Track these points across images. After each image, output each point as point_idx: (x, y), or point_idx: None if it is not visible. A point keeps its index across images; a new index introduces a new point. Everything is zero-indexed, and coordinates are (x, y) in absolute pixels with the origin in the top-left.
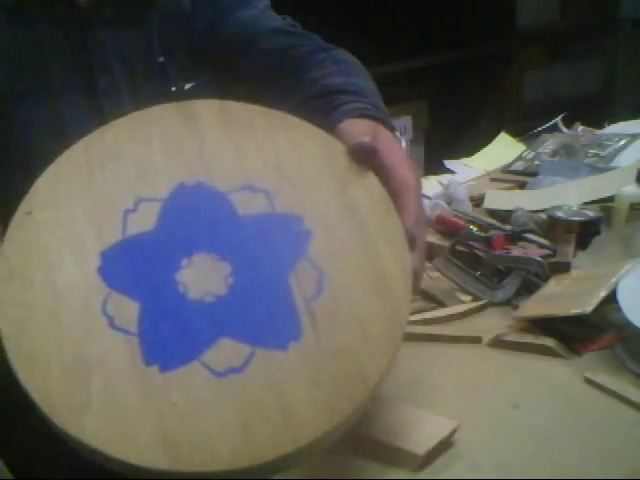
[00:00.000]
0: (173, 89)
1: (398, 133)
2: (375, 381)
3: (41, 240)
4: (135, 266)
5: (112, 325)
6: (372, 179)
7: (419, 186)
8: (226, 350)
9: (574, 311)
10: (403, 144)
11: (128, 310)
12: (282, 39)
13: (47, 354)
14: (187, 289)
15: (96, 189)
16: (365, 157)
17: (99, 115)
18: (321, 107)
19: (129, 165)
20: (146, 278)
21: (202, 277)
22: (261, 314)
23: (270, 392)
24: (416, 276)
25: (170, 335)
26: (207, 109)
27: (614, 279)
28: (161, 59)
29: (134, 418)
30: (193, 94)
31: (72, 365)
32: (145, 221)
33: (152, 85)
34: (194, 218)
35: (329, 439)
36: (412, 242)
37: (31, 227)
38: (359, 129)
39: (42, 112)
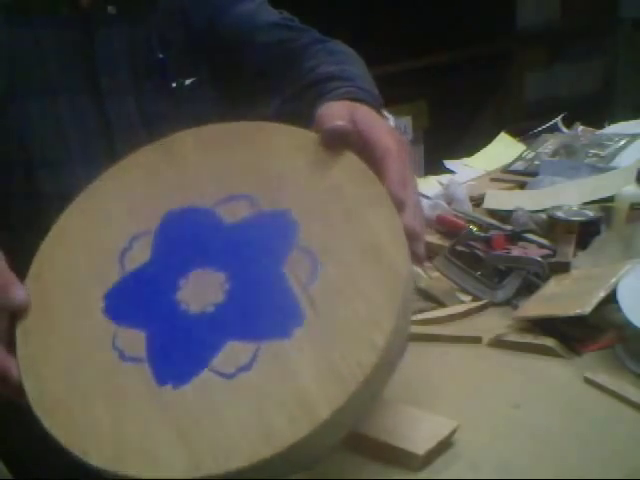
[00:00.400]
0: (174, 85)
1: (388, 114)
2: (382, 346)
3: (49, 302)
4: (137, 298)
5: (123, 357)
6: (349, 156)
7: (401, 150)
8: (233, 352)
9: (573, 311)
10: (391, 122)
11: (136, 340)
12: (280, 32)
13: (68, 402)
14: (188, 305)
15: (93, 237)
16: (337, 140)
17: (101, 115)
18: (312, 95)
19: (119, 207)
20: (149, 306)
21: (200, 291)
22: (261, 310)
23: (281, 381)
24: (414, 235)
25: (177, 352)
26: (182, 138)
27: (613, 279)
28: (160, 55)
29: (156, 438)
30: (193, 90)
31: (91, 404)
32: (141, 255)
33: (153, 82)
34: (185, 240)
35: (348, 413)
36: (400, 205)
37: (39, 290)
38: (335, 112)
39: (42, 113)
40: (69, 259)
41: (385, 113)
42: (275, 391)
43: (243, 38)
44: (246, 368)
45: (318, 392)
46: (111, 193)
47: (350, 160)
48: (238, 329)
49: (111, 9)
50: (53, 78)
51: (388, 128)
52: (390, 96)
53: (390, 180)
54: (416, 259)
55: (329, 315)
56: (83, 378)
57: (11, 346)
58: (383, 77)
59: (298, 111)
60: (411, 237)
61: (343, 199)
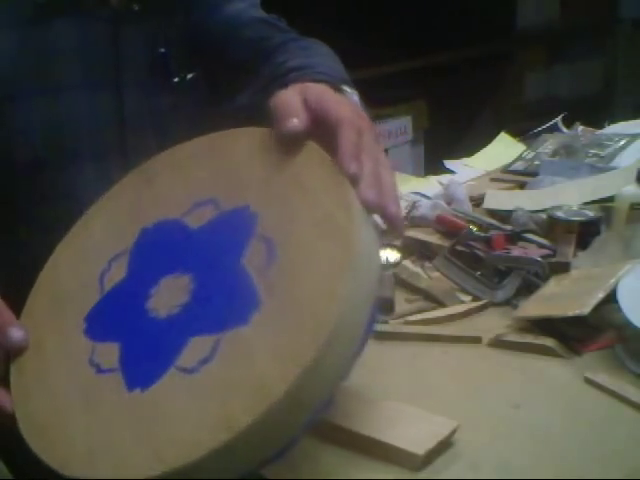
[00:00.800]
0: (176, 80)
1: (350, 89)
2: (333, 320)
3: (41, 336)
4: (113, 314)
5: (99, 371)
6: (307, 145)
7: (357, 121)
8: (195, 347)
9: (573, 312)
10: (354, 98)
11: (111, 352)
12: (262, 28)
13: (51, 424)
14: (156, 311)
15: (80, 267)
16: (295, 140)
17: (117, 111)
18: (276, 88)
19: (104, 234)
20: (123, 320)
21: (168, 296)
22: (221, 303)
23: (241, 368)
24: (373, 206)
25: (146, 357)
26: (155, 161)
27: (613, 280)
28: (162, 50)
29: (124, 441)
30: (193, 85)
31: (71, 421)
32: (118, 274)
33: (157, 77)
34: (157, 252)
35: (305, 391)
36: (353, 178)
37: (32, 325)
38: (286, 101)
39: (57, 109)
40: (59, 291)
41: (347, 89)
42: (235, 378)
43: (230, 34)
44: (208, 360)
45: (273, 373)
46: (98, 222)
47: (308, 148)
48: (200, 325)
49: (136, 6)
50: (72, 73)
51: (340, 99)
52: (390, 96)
53: (341, 153)
54: (391, 224)
55: (284, 296)
56: (65, 398)
57: (6, 380)
58: (383, 77)
59: (263, 104)
60: (372, 209)
61: (300, 185)
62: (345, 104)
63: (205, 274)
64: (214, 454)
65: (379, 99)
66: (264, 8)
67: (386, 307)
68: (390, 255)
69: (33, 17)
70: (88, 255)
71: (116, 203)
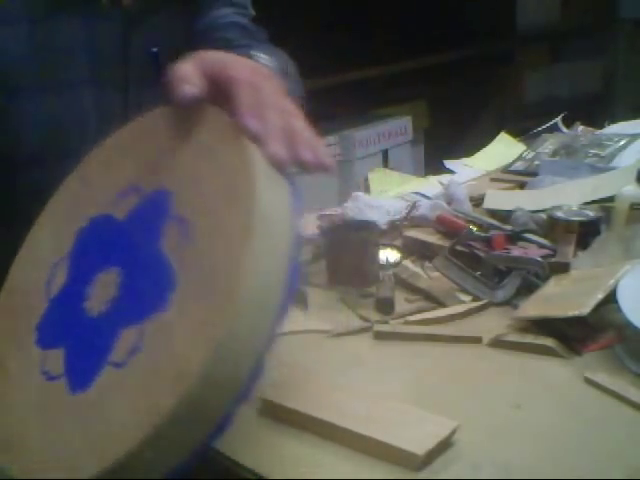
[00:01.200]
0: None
1: (261, 54)
2: (242, 286)
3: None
4: (58, 320)
5: (49, 378)
6: (211, 112)
7: (250, 76)
8: (125, 340)
9: (572, 312)
10: (262, 61)
11: (58, 358)
12: (234, 32)
13: (11, 436)
14: (91, 310)
15: (26, 278)
16: (191, 104)
17: (123, 108)
18: None
19: (47, 242)
20: (65, 323)
21: (100, 293)
22: (144, 291)
23: (162, 352)
24: (281, 163)
25: (85, 357)
26: (87, 158)
27: (612, 281)
28: (154, 49)
29: (68, 444)
30: None
31: (28, 432)
32: (60, 279)
33: (152, 74)
34: (91, 251)
35: (222, 367)
36: (256, 137)
37: None
38: (180, 70)
39: (65, 105)
40: (13, 305)
41: (257, 53)
42: (159, 364)
43: (206, 36)
44: (135, 351)
45: (190, 353)
46: (43, 230)
47: (211, 113)
48: (128, 316)
49: (145, 6)
50: (80, 71)
51: (234, 59)
52: (390, 96)
53: (238, 113)
54: (310, 169)
55: (196, 273)
56: (21, 412)
57: None
58: (383, 77)
59: None
60: (283, 163)
61: (207, 154)
62: (240, 63)
63: (130, 265)
64: (147, 442)
65: (379, 99)
66: (265, 8)
67: (386, 307)
68: (390, 255)
69: (43, 13)
70: (36, 265)
71: (56, 208)
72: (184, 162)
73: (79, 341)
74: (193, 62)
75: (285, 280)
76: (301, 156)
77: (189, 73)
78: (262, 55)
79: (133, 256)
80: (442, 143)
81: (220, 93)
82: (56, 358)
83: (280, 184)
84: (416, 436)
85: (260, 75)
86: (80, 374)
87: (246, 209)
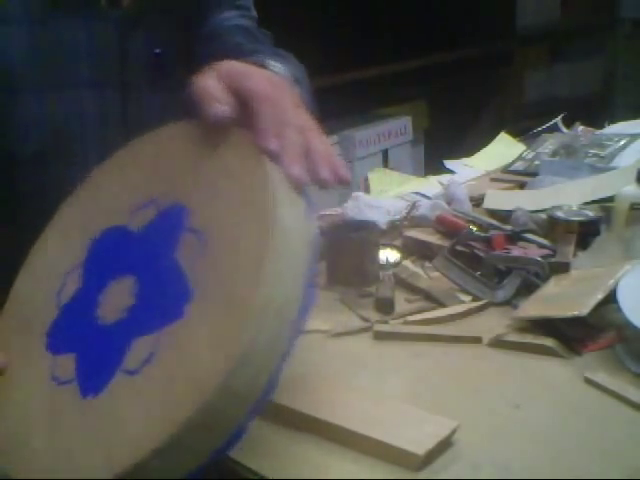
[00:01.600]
0: (175, 80)
1: (274, 62)
2: (257, 294)
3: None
4: (69, 326)
5: (59, 383)
6: (234, 132)
7: (270, 91)
8: (138, 349)
9: (571, 313)
10: (277, 70)
11: (68, 364)
12: (240, 35)
13: (18, 440)
14: (105, 318)
15: (37, 288)
16: (222, 125)
17: (122, 110)
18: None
19: (58, 251)
20: (78, 330)
21: (115, 301)
22: (159, 301)
23: (178, 362)
24: (299, 182)
25: (97, 363)
26: (100, 170)
27: (612, 281)
28: (157, 50)
29: (80, 447)
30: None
31: (35, 436)
32: (72, 287)
33: (156, 77)
34: (105, 260)
35: (239, 372)
36: (273, 155)
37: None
38: (203, 85)
39: (65, 106)
40: (23, 313)
41: (271, 62)
42: (174, 374)
43: (212, 39)
44: (149, 360)
45: (207, 364)
46: (53, 241)
47: (230, 129)
48: (143, 326)
49: (145, 8)
50: (79, 72)
51: (250, 70)
52: (390, 96)
53: (258, 131)
54: (327, 186)
55: (213, 285)
56: (28, 415)
57: None
58: (383, 77)
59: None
60: (300, 182)
61: (225, 170)
62: (259, 75)
63: (145, 273)
64: (161, 450)
65: (379, 99)
66: (265, 8)
67: (386, 307)
68: (390, 255)
69: (43, 14)
70: (46, 274)
71: (67, 218)
72: (203, 178)
73: (91, 347)
74: (215, 76)
75: (302, 293)
76: (319, 175)
77: (217, 91)
78: (277, 64)
79: (148, 265)
80: (442, 143)
81: (239, 105)
82: (67, 363)
83: (297, 200)
84: (416, 436)
85: (279, 89)
86: (92, 379)
87: (264, 226)
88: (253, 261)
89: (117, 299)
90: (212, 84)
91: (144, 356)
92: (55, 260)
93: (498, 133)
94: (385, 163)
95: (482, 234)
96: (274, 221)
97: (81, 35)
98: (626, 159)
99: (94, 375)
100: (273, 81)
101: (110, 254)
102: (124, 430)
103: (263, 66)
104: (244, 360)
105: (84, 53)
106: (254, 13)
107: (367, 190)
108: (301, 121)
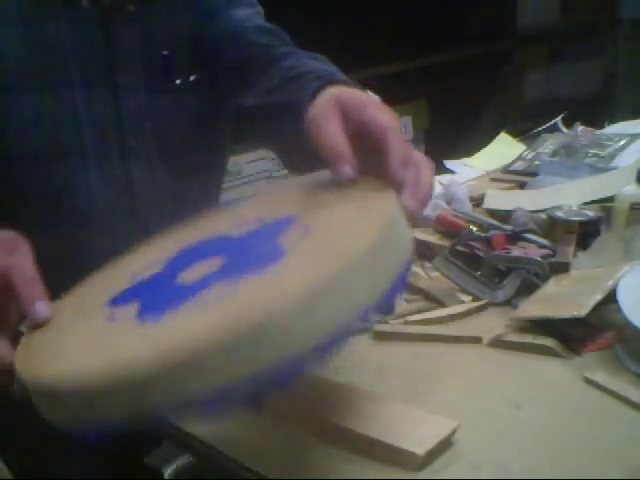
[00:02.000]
0: (178, 82)
1: (372, 94)
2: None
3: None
4: (138, 291)
5: (113, 320)
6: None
7: (397, 125)
8: (215, 288)
9: (570, 313)
10: (372, 95)
11: (129, 308)
12: (265, 36)
13: (51, 344)
14: (183, 282)
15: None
16: (346, 184)
17: (115, 110)
18: (295, 86)
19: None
20: (146, 290)
21: (198, 270)
22: (248, 263)
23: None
24: (412, 215)
25: (164, 302)
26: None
27: (611, 281)
28: (165, 52)
29: (132, 347)
30: (196, 87)
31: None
32: (150, 272)
33: (159, 78)
34: (195, 254)
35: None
36: (399, 185)
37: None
38: (331, 138)
39: (58, 106)
40: (90, 290)
41: (370, 93)
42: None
43: (233, 37)
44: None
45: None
46: (148, 248)
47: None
48: (226, 274)
49: (130, 6)
50: (70, 72)
51: (379, 105)
52: (390, 96)
53: (392, 159)
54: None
55: (310, 245)
56: (71, 336)
57: (13, 340)
58: (383, 77)
59: (283, 101)
60: (410, 217)
61: (348, 197)
62: (385, 110)
63: (239, 254)
64: (225, 341)
65: (379, 99)
66: (265, 8)
67: (386, 307)
68: None
69: (33, 15)
70: (128, 266)
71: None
72: (319, 200)
73: (162, 296)
74: (335, 111)
75: (399, 274)
76: (422, 211)
77: (346, 149)
78: (372, 95)
79: (244, 249)
80: (442, 143)
81: (362, 135)
82: (128, 309)
83: (405, 226)
84: (416, 436)
85: (394, 118)
86: (155, 310)
87: (378, 215)
88: (363, 228)
89: (201, 271)
90: (341, 141)
91: (219, 294)
92: (142, 257)
93: (498, 133)
94: None
95: (482, 234)
96: (387, 216)
97: (67, 35)
98: (626, 159)
99: (158, 308)
100: (393, 115)
101: (202, 250)
102: (174, 330)
103: (363, 90)
104: (389, 229)
105: (71, 53)
106: (260, 9)
107: None
108: (416, 155)
